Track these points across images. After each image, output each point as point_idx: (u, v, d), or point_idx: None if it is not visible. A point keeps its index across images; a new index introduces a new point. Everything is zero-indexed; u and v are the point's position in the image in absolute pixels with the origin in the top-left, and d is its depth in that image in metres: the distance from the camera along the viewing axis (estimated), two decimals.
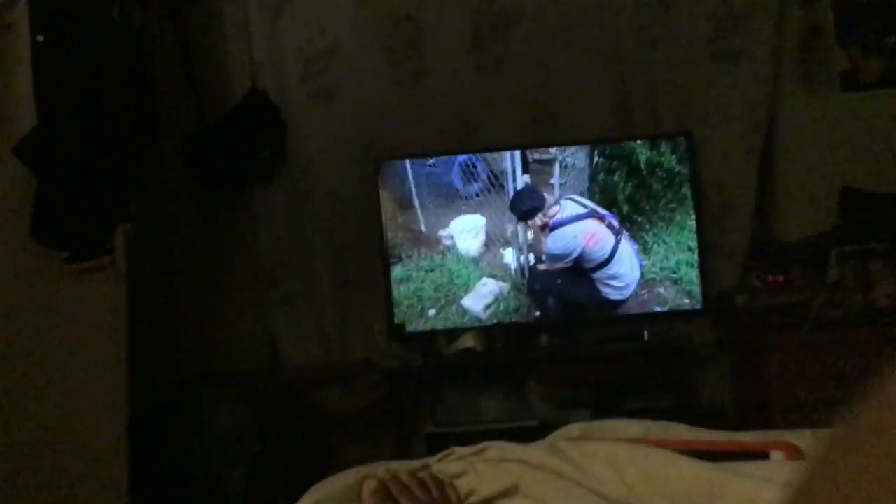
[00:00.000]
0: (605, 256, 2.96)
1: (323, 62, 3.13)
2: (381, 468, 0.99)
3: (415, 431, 2.98)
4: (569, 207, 2.98)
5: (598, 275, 2.98)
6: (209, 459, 2.63)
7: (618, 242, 2.96)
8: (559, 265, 2.99)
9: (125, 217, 2.21)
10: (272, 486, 2.73)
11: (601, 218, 2.97)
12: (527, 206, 2.99)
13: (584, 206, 2.98)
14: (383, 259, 2.99)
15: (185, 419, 2.71)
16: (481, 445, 0.97)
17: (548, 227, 2.99)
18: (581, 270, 2.98)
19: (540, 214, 2.98)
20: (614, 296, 2.98)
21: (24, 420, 2.15)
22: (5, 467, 2.11)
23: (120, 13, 2.27)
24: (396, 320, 2.97)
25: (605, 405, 2.81)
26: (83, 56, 2.19)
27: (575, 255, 2.97)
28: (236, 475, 2.62)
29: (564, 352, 2.96)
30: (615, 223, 2.97)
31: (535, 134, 3.09)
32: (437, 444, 1.05)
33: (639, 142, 3.00)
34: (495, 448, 0.96)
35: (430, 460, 1.00)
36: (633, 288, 2.97)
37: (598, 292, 2.98)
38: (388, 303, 2.98)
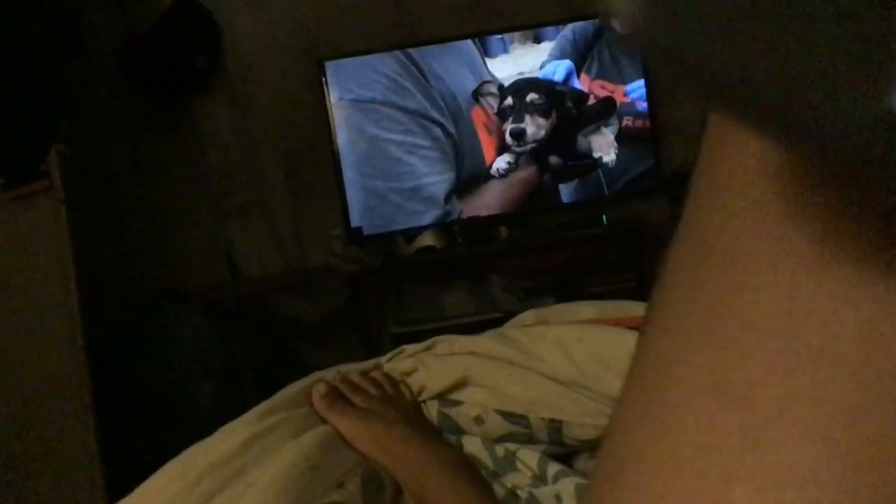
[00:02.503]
0: None
1: None
2: (333, 371, 0.98)
3: (380, 333, 2.99)
4: None
5: None
6: (175, 376, 2.62)
7: None
8: None
9: (57, 137, 2.12)
10: (241, 398, 2.73)
11: None
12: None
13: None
14: (336, 161, 2.93)
15: (148, 339, 2.68)
16: (430, 341, 0.96)
17: None
18: None
19: None
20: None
21: None
22: None
23: None
24: (355, 224, 2.93)
25: (569, 292, 2.83)
26: None
27: None
28: (204, 390, 2.62)
29: (524, 242, 2.96)
30: None
31: (478, 23, 3.00)
32: (404, 344, 1.04)
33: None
34: (444, 342, 0.94)
35: (381, 360, 0.98)
36: None
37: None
38: (344, 207, 2.93)
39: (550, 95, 2.91)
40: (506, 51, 2.94)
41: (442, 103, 2.92)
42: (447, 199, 2.94)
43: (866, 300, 0.17)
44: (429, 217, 2.94)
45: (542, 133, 2.92)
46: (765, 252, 0.18)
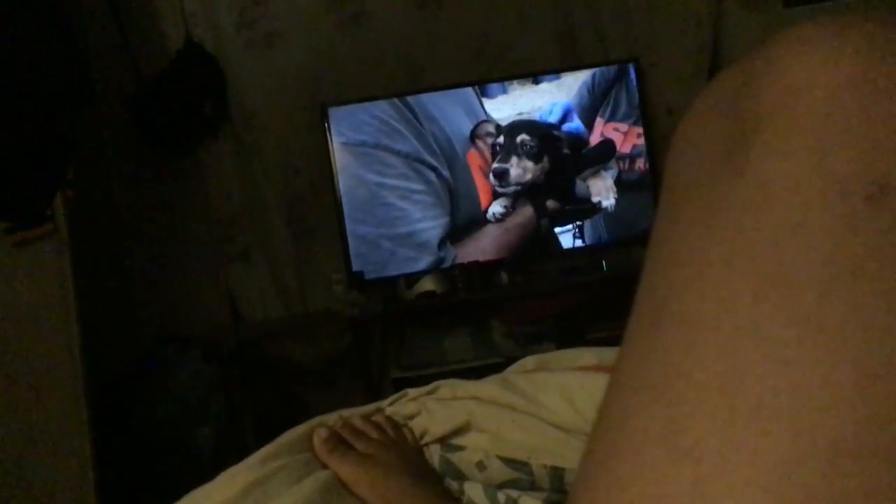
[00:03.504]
0: None
1: (258, 8, 3.04)
2: (334, 415, 0.98)
3: (382, 377, 2.98)
4: None
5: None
6: (176, 421, 2.61)
7: None
8: None
9: (64, 183, 2.14)
10: (241, 442, 2.72)
11: None
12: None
13: None
14: (338, 207, 2.95)
15: (149, 383, 2.67)
16: (433, 385, 0.96)
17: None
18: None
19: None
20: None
21: None
22: None
23: None
24: (354, 268, 2.94)
25: (569, 337, 2.83)
26: (4, 18, 2.09)
27: None
28: (205, 434, 2.60)
29: (524, 288, 2.96)
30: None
31: (480, 71, 3.04)
32: (405, 388, 1.04)
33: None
34: (447, 386, 0.94)
35: (383, 403, 0.98)
36: None
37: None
38: (346, 252, 2.95)
39: (545, 138, 2.94)
40: (505, 92, 2.98)
41: (436, 146, 2.95)
42: (441, 245, 2.95)
43: (798, 359, 0.18)
44: (422, 263, 2.95)
45: (529, 177, 2.93)
46: (708, 316, 0.19)
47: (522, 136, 2.94)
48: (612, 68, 2.96)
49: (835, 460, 0.17)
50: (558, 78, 2.96)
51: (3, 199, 1.98)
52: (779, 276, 0.19)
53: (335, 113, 2.95)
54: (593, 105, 2.96)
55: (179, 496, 0.83)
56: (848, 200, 0.19)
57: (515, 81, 2.96)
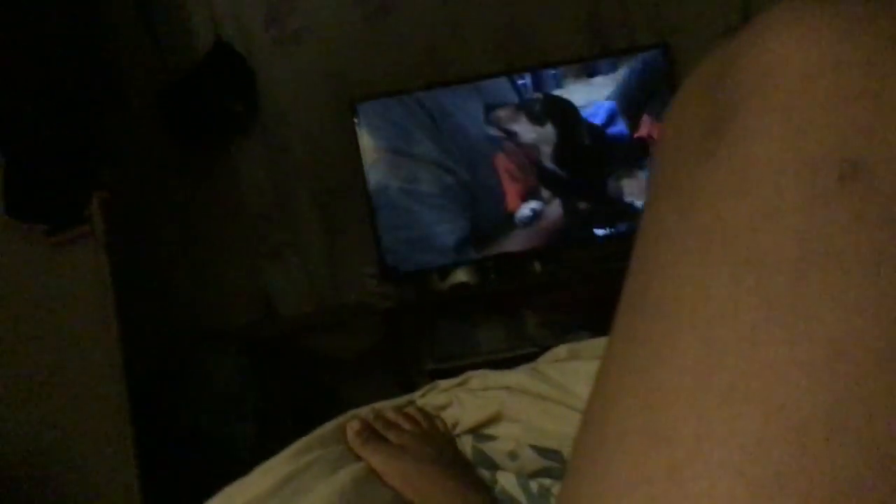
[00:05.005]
0: None
1: (286, 6, 3.06)
2: (367, 408, 0.98)
3: (416, 369, 2.99)
4: None
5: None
6: (215, 417, 2.65)
7: None
8: None
9: (99, 184, 2.17)
10: (279, 437, 2.74)
11: None
12: None
13: None
14: (368, 201, 2.96)
15: (186, 379, 2.71)
16: (464, 376, 0.96)
17: None
18: None
19: None
20: None
21: (20, 401, 2.15)
22: (5, 452, 2.11)
23: None
24: (388, 262, 2.95)
25: (603, 326, 2.81)
26: (34, 24, 2.13)
27: None
28: (242, 430, 2.64)
29: (557, 277, 2.95)
30: None
31: (508, 60, 3.03)
32: (439, 380, 1.05)
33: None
34: (478, 377, 0.95)
35: (415, 395, 0.99)
36: None
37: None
38: (378, 245, 2.96)
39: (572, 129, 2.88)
40: (560, 86, 2.90)
41: (455, 149, 2.91)
42: (460, 249, 2.93)
43: (770, 340, 0.18)
44: (450, 259, 2.93)
45: (532, 135, 2.87)
46: (686, 301, 0.20)
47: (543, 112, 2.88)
48: (659, 59, 2.89)
49: (805, 441, 0.17)
50: (614, 71, 2.88)
51: (40, 202, 2.02)
52: (755, 259, 0.19)
53: (364, 108, 2.96)
54: (638, 101, 2.88)
55: (218, 490, 0.84)
56: (821, 180, 0.19)
57: (571, 76, 2.89)
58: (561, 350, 1.10)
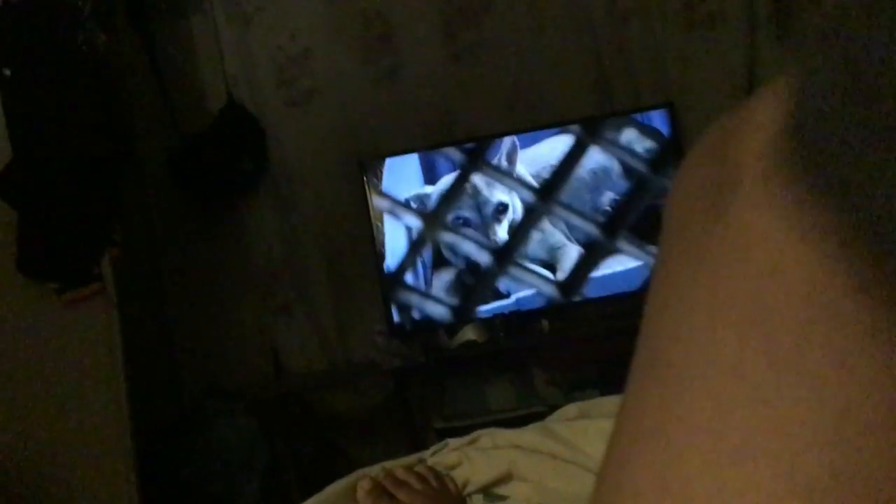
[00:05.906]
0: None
1: (297, 68, 3.11)
2: (377, 467, 0.98)
3: (424, 427, 2.97)
4: None
5: None
6: (221, 476, 2.62)
7: None
8: None
9: (111, 242, 2.20)
10: (285, 496, 2.72)
11: None
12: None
13: None
14: (376, 260, 2.97)
15: (194, 438, 2.69)
16: (474, 434, 0.96)
17: None
18: None
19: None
20: None
21: (28, 455, 2.14)
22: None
23: (85, 40, 2.26)
24: (396, 320, 2.96)
25: (613, 384, 2.80)
26: (52, 86, 2.18)
27: None
28: (249, 488, 2.61)
29: (566, 334, 2.95)
30: None
31: (515, 120, 3.07)
32: (447, 438, 1.05)
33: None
34: (487, 435, 0.95)
35: (425, 454, 0.98)
36: None
37: None
38: (386, 303, 2.96)
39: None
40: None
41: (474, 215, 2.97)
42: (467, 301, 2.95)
43: (779, 399, 0.19)
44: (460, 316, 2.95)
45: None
46: (696, 361, 0.20)
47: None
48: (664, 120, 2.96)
49: (813, 500, 0.18)
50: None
51: (52, 260, 2.03)
52: (760, 320, 0.20)
53: (373, 167, 2.99)
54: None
55: None
56: (823, 243, 0.20)
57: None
58: (570, 409, 1.10)
